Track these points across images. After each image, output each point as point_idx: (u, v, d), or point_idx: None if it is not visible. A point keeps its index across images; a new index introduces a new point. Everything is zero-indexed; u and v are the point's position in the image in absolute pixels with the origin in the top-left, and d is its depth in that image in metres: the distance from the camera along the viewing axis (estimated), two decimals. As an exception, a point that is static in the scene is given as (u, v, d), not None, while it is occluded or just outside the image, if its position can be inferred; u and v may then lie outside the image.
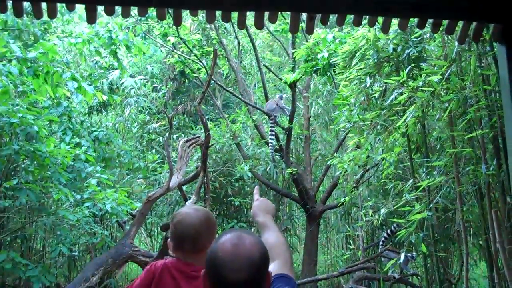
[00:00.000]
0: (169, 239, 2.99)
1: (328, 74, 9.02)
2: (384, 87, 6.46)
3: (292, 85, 10.61)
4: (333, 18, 4.29)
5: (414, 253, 9.13)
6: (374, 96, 6.64)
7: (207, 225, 3.00)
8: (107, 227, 11.68)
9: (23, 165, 8.32)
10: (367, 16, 4.29)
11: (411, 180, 6.38)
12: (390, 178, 7.87)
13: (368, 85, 6.54)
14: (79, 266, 11.20)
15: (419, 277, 10.20)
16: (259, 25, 4.25)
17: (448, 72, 5.41)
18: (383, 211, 7.16)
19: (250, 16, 4.64)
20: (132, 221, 8.83)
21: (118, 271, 9.31)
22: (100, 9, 4.26)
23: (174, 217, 2.99)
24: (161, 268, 2.93)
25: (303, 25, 5.99)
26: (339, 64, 7.40)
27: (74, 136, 10.02)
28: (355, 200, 10.66)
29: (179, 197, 11.93)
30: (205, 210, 3.07)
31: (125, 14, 4.10)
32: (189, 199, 9.00)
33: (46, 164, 7.65)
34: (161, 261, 2.99)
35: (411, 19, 4.87)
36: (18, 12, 4.08)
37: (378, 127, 6.55)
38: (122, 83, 12.53)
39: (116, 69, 11.94)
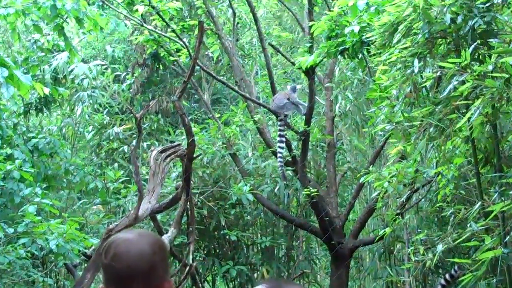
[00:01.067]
0: (101, 285, 2.84)
1: (360, 56, 9.01)
2: (439, 74, 6.44)
3: (309, 72, 10.60)
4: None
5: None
6: (425, 86, 6.62)
7: (161, 254, 2.88)
8: (51, 273, 11.65)
9: None
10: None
11: (479, 203, 6.34)
12: (449, 201, 7.84)
13: (416, 71, 6.52)
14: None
15: None
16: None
17: (529, 51, 5.40)
18: (439, 247, 7.11)
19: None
20: (86, 264, 8.80)
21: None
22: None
23: (107, 249, 2.78)
24: None
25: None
26: (375, 41, 7.39)
27: (4, 146, 10.01)
28: (399, 232, 10.63)
29: (152, 229, 11.90)
30: (151, 234, 2.96)
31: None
32: (166, 233, 8.98)
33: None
34: None
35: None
36: None
37: (431, 129, 6.52)
38: (72, 70, 12.50)
39: (63, 51, 11.92)
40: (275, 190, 12.12)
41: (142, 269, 2.73)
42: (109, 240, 2.82)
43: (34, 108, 12.87)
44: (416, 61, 6.55)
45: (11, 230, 8.44)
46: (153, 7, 11.19)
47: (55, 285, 11.60)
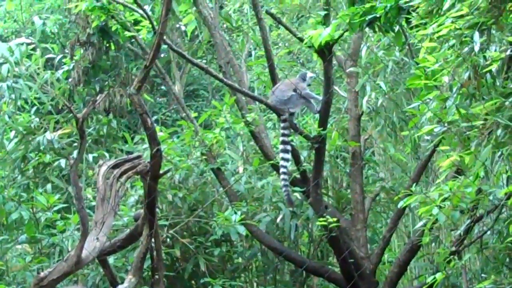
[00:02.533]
0: None
1: (397, 28, 9.06)
2: (509, 52, 6.48)
3: (325, 53, 10.63)
4: None
5: None
6: (490, 71, 6.66)
7: None
8: None
9: None
10: None
11: None
12: (526, 234, 7.87)
13: (477, 49, 6.57)
14: None
15: None
16: None
17: None
18: (513, 300, 7.17)
19: None
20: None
21: None
22: None
23: None
24: None
25: None
26: (417, 8, 7.43)
27: None
28: (455, 279, 10.66)
29: (101, 278, 11.93)
30: None
31: None
32: (122, 283, 9.00)
33: None
34: None
35: None
36: None
37: (499, 131, 6.57)
38: (-15, 52, 12.56)
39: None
40: (278, 220, 12.16)
41: None
42: None
43: None
44: (476, 34, 6.59)
45: None
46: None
47: None
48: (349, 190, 12.67)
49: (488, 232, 9.99)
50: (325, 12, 10.64)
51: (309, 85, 11.31)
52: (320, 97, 11.07)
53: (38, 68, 13.46)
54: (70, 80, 14.56)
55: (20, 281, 11.93)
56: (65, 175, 13.94)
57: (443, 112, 7.10)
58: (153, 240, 9.16)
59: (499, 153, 6.80)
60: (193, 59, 12.45)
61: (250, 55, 14.45)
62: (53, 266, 8.90)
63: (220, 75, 11.82)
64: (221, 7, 13.25)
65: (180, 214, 12.35)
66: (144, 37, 12.33)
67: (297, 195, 11.73)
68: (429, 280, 9.07)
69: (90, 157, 13.70)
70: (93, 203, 9.67)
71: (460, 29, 6.74)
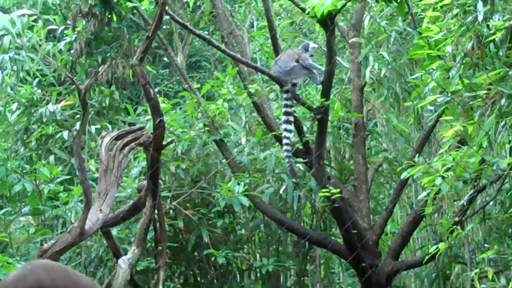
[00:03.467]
0: None
1: (400, -3, 9.04)
2: (513, 21, 6.45)
3: (328, 22, 10.59)
4: None
5: None
6: (493, 40, 6.63)
7: None
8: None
9: None
10: None
11: None
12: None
13: (481, 18, 6.53)
14: None
15: None
16: None
17: None
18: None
19: None
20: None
21: None
22: None
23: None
24: None
25: None
26: (421, -24, 7.40)
27: None
28: (458, 249, 10.66)
29: (104, 249, 11.94)
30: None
31: None
32: (125, 254, 9.00)
33: None
34: None
35: None
36: None
37: (503, 101, 6.54)
38: (-15, 23, 12.53)
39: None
40: (281, 191, 12.15)
41: None
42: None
43: None
44: (480, 3, 6.56)
45: None
46: None
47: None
48: (351, 161, 12.65)
49: (491, 203, 9.99)
50: (328, -19, 10.60)
51: (311, 55, 11.28)
52: (323, 68, 11.04)
53: (40, 40, 13.42)
54: (72, 51, 14.52)
55: (24, 253, 11.93)
56: (67, 147, 13.93)
57: (446, 82, 7.09)
58: (156, 211, 9.16)
59: (503, 123, 6.78)
60: (195, 30, 12.39)
61: (252, 26, 14.42)
62: (56, 238, 8.92)
63: (222, 46, 11.76)
64: (223, -23, 13.16)
65: (183, 186, 12.34)
66: (146, 7, 12.26)
67: (300, 166, 11.71)
68: (432, 250, 9.08)
69: (93, 128, 13.68)
70: (96, 175, 9.66)
71: (464, -2, 6.71)
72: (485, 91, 6.63)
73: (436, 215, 10.68)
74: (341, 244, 11.64)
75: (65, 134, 14.04)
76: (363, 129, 12.23)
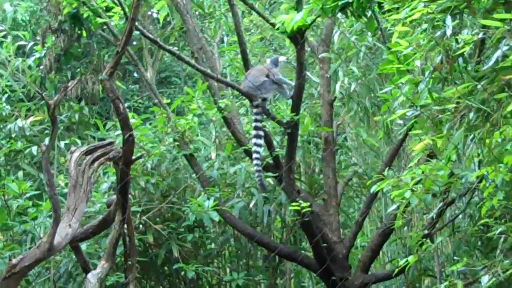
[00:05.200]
0: None
1: (369, 13, 9.05)
2: (481, 35, 6.48)
3: (297, 37, 10.61)
4: None
5: None
6: (462, 54, 6.65)
7: None
8: None
9: None
10: None
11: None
12: (497, 217, 7.89)
13: (449, 33, 6.56)
14: None
15: None
16: None
17: None
18: (484, 281, 7.16)
19: None
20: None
21: None
22: None
23: None
24: None
25: None
26: (389, -8, 7.43)
27: None
28: (427, 262, 10.69)
29: (73, 264, 11.91)
30: None
31: None
32: (94, 269, 8.97)
33: None
34: None
35: None
36: None
37: (471, 115, 6.56)
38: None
39: None
40: (251, 205, 12.17)
41: None
42: None
43: None
44: (449, 18, 6.59)
45: None
46: None
47: None
48: (321, 175, 12.69)
49: (460, 216, 10.05)
50: (297, -3, 10.62)
51: (281, 68, 11.33)
52: (293, 83, 11.06)
53: (9, 56, 13.39)
54: (41, 67, 14.51)
55: (-6, 269, 11.86)
56: (36, 162, 13.90)
57: (416, 96, 7.10)
58: (125, 226, 9.14)
59: (471, 136, 6.80)
60: (165, 46, 12.34)
61: (222, 41, 14.43)
62: (25, 253, 8.86)
63: (193, 61, 11.74)
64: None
65: (153, 200, 12.35)
66: (116, 23, 12.25)
67: (270, 180, 11.73)
68: (402, 263, 9.11)
69: (62, 144, 13.66)
70: (65, 190, 9.63)
71: (433, 13, 6.73)
72: (454, 105, 6.65)
73: (405, 228, 10.72)
74: (311, 258, 11.66)
75: (34, 149, 14.01)
76: (333, 143, 12.27)
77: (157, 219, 12.28)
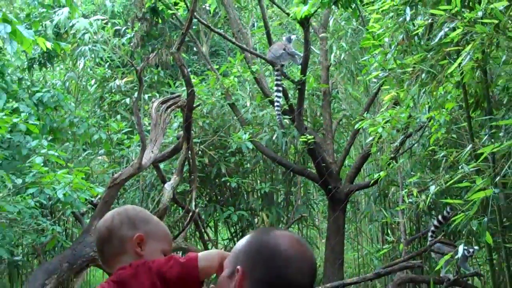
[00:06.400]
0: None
1: (353, 5, 8.95)
2: (430, 21, 6.41)
3: (304, 23, 10.53)
4: None
5: (476, 247, 9.17)
6: (417, 34, 6.59)
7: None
8: (59, 221, 11.74)
9: None
10: None
11: (470, 146, 6.36)
12: (441, 145, 7.86)
13: (408, 19, 6.48)
14: (24, 275, 11.28)
15: (482, 277, 10.29)
16: None
17: (518, -4, 5.36)
18: (432, 189, 7.13)
19: None
20: (93, 213, 8.87)
21: (76, 279, 9.36)
22: None
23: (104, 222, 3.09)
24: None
25: None
26: (368, -9, 7.35)
27: (10, 100, 9.99)
28: (393, 176, 10.67)
29: (155, 178, 11.98)
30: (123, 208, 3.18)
31: None
32: (169, 181, 9.03)
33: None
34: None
35: None
36: None
37: (423, 75, 6.51)
38: (73, 25, 12.45)
39: (63, 6, 11.85)
40: (273, 138, 12.12)
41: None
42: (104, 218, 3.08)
43: (37, 63, 12.85)
44: (408, 9, 6.51)
45: (19, 181, 8.45)
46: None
47: (64, 233, 11.66)
48: (321, 117, 12.63)
49: (416, 144, 9.98)
50: (305, -5, 10.51)
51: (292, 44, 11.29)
52: (301, 54, 11.00)
53: (109, 36, 13.35)
54: (131, 44, 14.47)
55: (101, 181, 11.96)
56: (129, 109, 13.92)
57: (385, 62, 7.04)
58: (189, 152, 9.17)
59: (423, 90, 6.76)
60: (214, 29, 12.30)
61: (253, 25, 14.31)
62: (122, 170, 8.92)
63: (233, 39, 11.72)
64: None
65: (207, 135, 12.33)
66: (182, 13, 12.18)
67: (287, 121, 11.68)
68: (375, 176, 9.10)
69: (146, 96, 13.66)
70: (149, 128, 9.64)
71: (397, 5, 6.65)
72: (411, 69, 6.60)
73: (378, 153, 10.66)
74: (315, 173, 11.64)
75: (128, 100, 14.05)
76: (329, 95, 12.21)
77: (210, 147, 12.28)
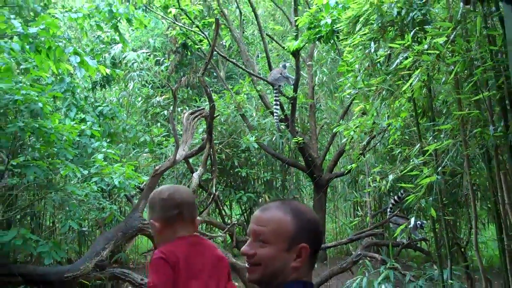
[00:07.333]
0: (152, 220, 2.89)
1: (332, 41, 8.94)
2: (389, 52, 6.40)
3: (296, 53, 10.55)
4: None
5: (424, 221, 9.16)
6: (379, 61, 6.58)
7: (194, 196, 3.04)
8: (115, 202, 11.73)
9: (29, 142, 8.33)
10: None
11: (418, 144, 6.36)
12: (397, 144, 7.85)
13: (372, 50, 6.48)
14: (89, 241, 11.30)
15: (427, 241, 10.26)
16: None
17: (454, 34, 5.34)
18: (390, 177, 7.14)
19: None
20: (140, 195, 8.88)
21: (128, 244, 9.39)
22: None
23: (161, 193, 2.90)
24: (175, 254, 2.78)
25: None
26: (342, 30, 7.33)
27: (79, 112, 10.00)
28: (362, 167, 10.68)
29: (185, 169, 11.99)
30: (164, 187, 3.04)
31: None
32: (196, 171, 9.03)
33: (52, 141, 7.62)
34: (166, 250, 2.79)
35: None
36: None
37: (384, 92, 6.50)
38: (125, 57, 12.49)
39: (118, 43, 11.88)
40: (273, 139, 12.15)
41: (188, 201, 2.92)
42: (158, 190, 3.04)
43: (99, 84, 12.86)
44: (372, 43, 6.50)
45: (86, 172, 8.48)
46: (182, 9, 11.10)
47: (118, 210, 11.66)
48: (308, 124, 12.63)
49: (378, 143, 9.97)
50: (296, 33, 10.49)
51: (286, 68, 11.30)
52: (294, 77, 11.00)
53: (152, 65, 13.37)
54: (168, 70, 14.46)
55: (146, 172, 11.96)
56: (166, 118, 13.94)
57: (356, 83, 7.03)
58: (211, 150, 9.17)
59: (384, 103, 6.75)
60: (229, 59, 12.26)
61: (258, 56, 14.30)
62: (162, 163, 8.92)
63: (243, 66, 11.72)
64: (243, 32, 13.04)
65: (224, 137, 12.34)
66: (205, 47, 12.20)
67: (283, 126, 11.69)
68: (349, 167, 9.09)
69: (179, 109, 13.66)
70: (181, 132, 9.65)
71: (364, 40, 6.64)
72: (375, 87, 6.59)
73: (351, 150, 10.66)
74: (304, 166, 11.66)
75: (165, 112, 14.06)
76: (314, 108, 12.21)
77: (226, 146, 12.30)
